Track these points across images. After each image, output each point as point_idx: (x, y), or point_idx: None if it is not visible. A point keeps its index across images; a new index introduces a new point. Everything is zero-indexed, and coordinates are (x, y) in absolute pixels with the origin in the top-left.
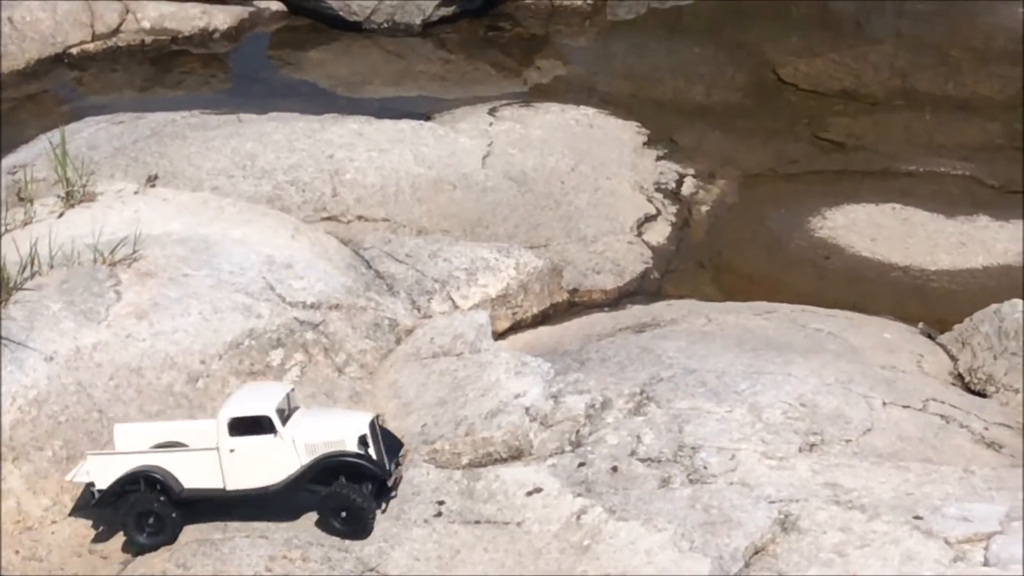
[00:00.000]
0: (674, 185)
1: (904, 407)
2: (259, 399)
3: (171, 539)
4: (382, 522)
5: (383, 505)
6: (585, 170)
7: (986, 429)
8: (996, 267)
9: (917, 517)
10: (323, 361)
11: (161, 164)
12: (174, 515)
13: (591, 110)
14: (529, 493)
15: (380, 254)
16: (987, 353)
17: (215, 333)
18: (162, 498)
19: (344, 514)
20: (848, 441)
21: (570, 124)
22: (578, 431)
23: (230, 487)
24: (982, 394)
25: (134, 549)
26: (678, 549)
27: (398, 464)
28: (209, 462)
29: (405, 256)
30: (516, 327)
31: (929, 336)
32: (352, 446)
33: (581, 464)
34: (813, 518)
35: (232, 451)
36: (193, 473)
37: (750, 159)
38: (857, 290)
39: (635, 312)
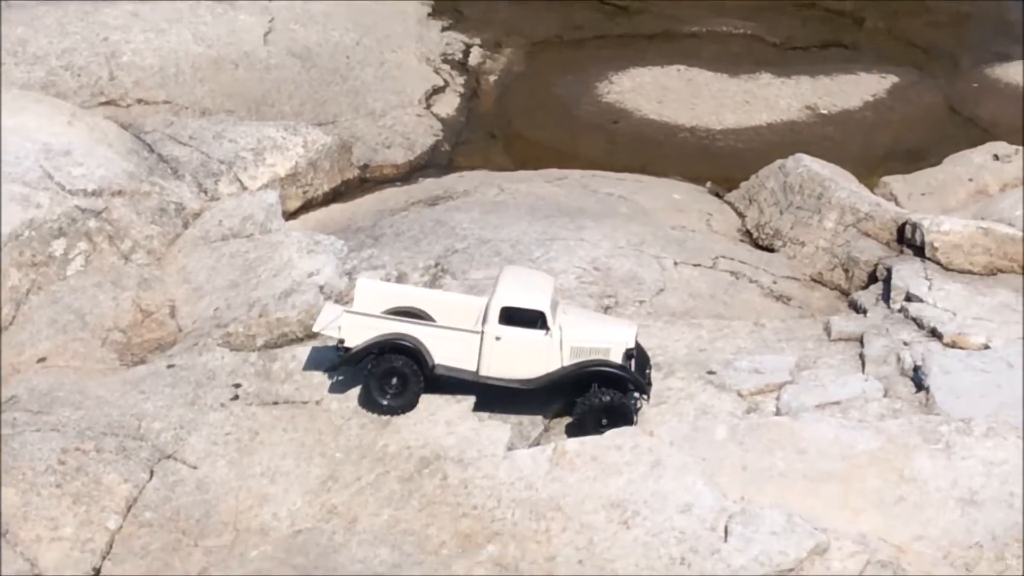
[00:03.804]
0: (461, 56)
1: (695, 266)
2: (534, 292)
3: (412, 404)
4: (176, 408)
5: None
6: (370, 44)
7: (774, 283)
8: (780, 123)
9: (710, 372)
10: (108, 249)
11: None
12: (420, 379)
13: None
14: (327, 371)
15: (163, 137)
16: (773, 208)
17: None
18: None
19: (605, 420)
20: (642, 302)
21: None
22: None
23: (483, 373)
24: (770, 249)
25: (375, 411)
26: (478, 418)
27: (649, 383)
28: (467, 344)
29: (189, 138)
30: (307, 206)
31: (717, 195)
32: (618, 357)
33: None
34: None
35: (498, 339)
36: (447, 351)
37: (536, 27)
38: (646, 153)
39: (427, 185)
